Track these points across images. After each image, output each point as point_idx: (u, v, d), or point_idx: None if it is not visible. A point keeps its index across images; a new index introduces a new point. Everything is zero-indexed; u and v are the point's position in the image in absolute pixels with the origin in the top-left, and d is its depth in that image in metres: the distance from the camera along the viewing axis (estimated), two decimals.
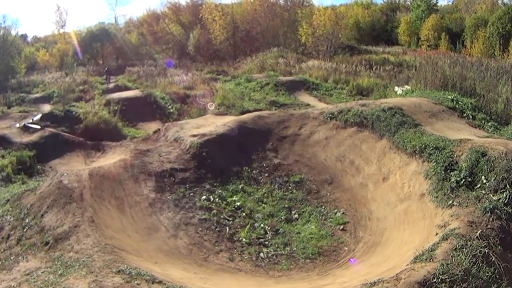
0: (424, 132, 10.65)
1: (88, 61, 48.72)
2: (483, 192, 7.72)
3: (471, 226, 6.89)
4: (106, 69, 35.47)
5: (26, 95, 29.67)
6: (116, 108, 20.70)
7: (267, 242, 9.05)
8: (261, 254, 8.65)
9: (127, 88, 30.24)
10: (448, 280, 5.71)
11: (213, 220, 9.58)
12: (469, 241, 6.46)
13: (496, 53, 33.10)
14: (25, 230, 8.66)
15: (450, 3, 56.36)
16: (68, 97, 27.08)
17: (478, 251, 6.28)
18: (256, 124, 13.31)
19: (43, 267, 7.14)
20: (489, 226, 6.90)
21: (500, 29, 34.18)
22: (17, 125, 18.63)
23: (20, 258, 7.82)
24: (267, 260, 8.51)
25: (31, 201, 9.56)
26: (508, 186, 7.57)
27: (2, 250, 8.37)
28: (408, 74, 22.07)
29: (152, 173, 10.87)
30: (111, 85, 33.23)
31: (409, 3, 55.34)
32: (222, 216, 9.78)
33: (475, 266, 6.03)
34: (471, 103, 13.63)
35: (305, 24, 41.67)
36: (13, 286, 6.74)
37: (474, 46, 35.99)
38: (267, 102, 21.86)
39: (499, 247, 6.54)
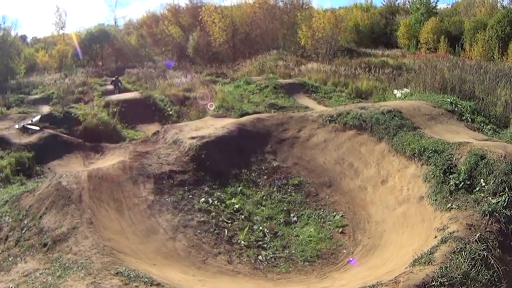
0: (423, 135, 10.65)
1: (87, 63, 48.68)
2: (482, 195, 7.73)
3: (470, 229, 6.90)
4: (114, 78, 32.60)
5: (25, 96, 29.66)
6: (115, 109, 20.67)
7: (265, 245, 9.05)
8: (260, 257, 8.64)
9: (126, 90, 30.21)
10: (447, 283, 5.71)
11: (212, 222, 9.57)
12: (468, 244, 6.46)
13: (495, 56, 33.21)
14: (23, 231, 8.65)
15: (449, 6, 56.60)
16: (67, 98, 27.06)
17: (477, 254, 6.28)
18: (255, 126, 13.31)
19: (42, 268, 7.13)
20: (488, 229, 6.90)
21: (499, 32, 34.29)
22: (16, 126, 18.62)
23: (18, 259, 7.80)
24: (266, 262, 8.50)
25: (30, 203, 9.55)
26: (507, 189, 7.58)
27: (0, 251, 8.35)
28: (407, 77, 22.09)
29: (151, 175, 10.86)
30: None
31: (408, 6, 55.50)
32: (220, 219, 9.77)
33: (474, 269, 6.03)
34: (470, 106, 13.64)
35: (305, 27, 41.71)
36: (11, 287, 6.73)
37: (473, 49, 36.11)
38: (266, 105, 21.87)
39: (498, 250, 6.54)
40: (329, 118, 12.99)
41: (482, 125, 12.72)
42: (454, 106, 13.40)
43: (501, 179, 7.78)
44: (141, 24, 62.09)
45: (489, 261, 6.25)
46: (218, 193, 10.74)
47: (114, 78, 32.03)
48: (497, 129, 12.70)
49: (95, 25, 54.03)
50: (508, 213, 7.14)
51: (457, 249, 6.37)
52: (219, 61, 45.24)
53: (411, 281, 5.77)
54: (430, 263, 6.16)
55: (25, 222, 8.93)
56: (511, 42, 32.54)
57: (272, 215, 10.11)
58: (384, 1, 59.58)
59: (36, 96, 29.52)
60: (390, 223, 9.05)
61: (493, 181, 7.85)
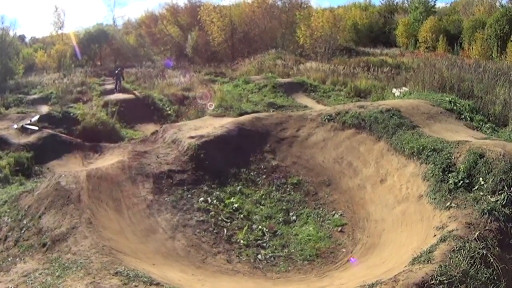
0: (422, 134, 10.65)
1: (86, 63, 48.61)
2: (481, 193, 7.73)
3: (469, 227, 6.90)
4: (117, 70, 30.45)
5: (24, 96, 29.56)
6: (114, 109, 20.66)
7: (265, 244, 9.05)
8: (259, 256, 8.64)
9: (125, 90, 30.15)
10: (446, 281, 5.71)
11: (211, 222, 9.57)
12: (467, 242, 6.46)
13: (494, 55, 33.25)
14: (22, 231, 8.64)
15: (448, 5, 56.68)
16: (66, 98, 26.99)
17: (476, 252, 6.28)
18: (254, 125, 13.31)
19: (41, 268, 7.12)
20: (487, 228, 6.90)
21: (498, 31, 34.32)
22: (15, 126, 18.60)
23: (17, 259, 7.79)
24: (265, 262, 8.51)
25: (29, 203, 9.54)
26: (506, 187, 7.58)
27: None
28: (406, 76, 22.07)
29: (150, 175, 10.86)
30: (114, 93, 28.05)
31: (407, 5, 55.56)
32: (220, 218, 9.77)
33: (473, 267, 6.03)
34: (469, 105, 13.64)
35: (303, 26, 41.72)
36: (11, 287, 6.72)
37: (472, 48, 36.15)
38: (265, 104, 21.84)
39: (497, 248, 6.55)
40: (328, 117, 12.99)
41: (481, 123, 12.72)
42: (453, 105, 13.40)
43: (500, 178, 7.78)
44: (140, 24, 62.03)
45: (488, 259, 6.26)
46: (217, 193, 10.75)
47: (117, 71, 30.53)
48: (496, 128, 12.69)
49: (94, 25, 54.04)
50: (507, 212, 7.15)
51: (456, 247, 6.37)
52: (218, 61, 45.17)
53: (410, 279, 5.77)
54: (429, 261, 6.16)
55: (24, 222, 8.92)
56: (509, 41, 32.55)
57: (271, 214, 10.11)
58: (382, 0, 59.67)
59: (35, 96, 29.43)
60: (389, 222, 9.05)
61: (492, 179, 7.85)
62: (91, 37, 48.50)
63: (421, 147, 9.77)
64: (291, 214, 10.21)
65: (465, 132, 11.56)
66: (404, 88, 18.43)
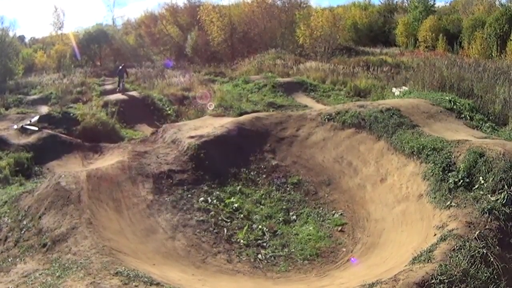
0: (422, 133, 10.65)
1: (85, 63, 48.57)
2: (481, 192, 7.73)
3: (469, 226, 6.90)
4: (121, 66, 29.59)
5: (23, 96, 29.53)
6: (114, 109, 20.66)
7: (265, 244, 9.05)
8: (259, 256, 8.64)
9: (125, 90, 30.11)
10: (446, 281, 5.71)
11: (211, 221, 9.57)
12: (467, 241, 6.46)
13: (493, 54, 33.20)
14: (22, 232, 8.64)
15: (447, 4, 56.69)
16: (66, 98, 26.95)
17: (476, 251, 6.28)
18: (254, 125, 13.30)
19: (41, 269, 7.12)
20: (487, 227, 6.90)
21: (498, 30, 34.31)
22: (15, 126, 18.59)
23: (17, 260, 7.79)
24: (265, 261, 8.51)
25: (29, 203, 9.54)
26: (506, 186, 7.58)
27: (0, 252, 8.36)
28: (405, 75, 22.10)
29: (149, 175, 10.86)
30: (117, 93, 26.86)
31: (406, 5, 55.53)
32: (220, 218, 9.77)
33: (473, 266, 6.03)
34: (468, 104, 13.65)
35: (303, 26, 41.71)
36: None
37: (472, 47, 36.12)
38: (264, 104, 21.85)
39: (497, 247, 6.55)
40: (328, 116, 12.99)
41: (480, 123, 12.72)
42: (452, 104, 13.40)
43: (500, 177, 7.78)
44: (139, 24, 61.99)
45: (489, 258, 6.26)
46: (217, 192, 10.74)
47: (120, 66, 29.61)
48: (495, 127, 12.70)
49: (93, 25, 54.03)
50: (507, 211, 7.15)
51: (456, 247, 6.37)
52: (217, 60, 45.11)
53: (410, 279, 5.77)
54: (429, 261, 6.17)
55: (24, 222, 8.92)
56: (509, 40, 32.56)
57: (271, 214, 10.10)
58: None
59: (35, 97, 29.40)
60: (389, 221, 9.05)
61: (492, 178, 7.85)
62: (91, 37, 48.43)
63: (421, 146, 9.77)
64: (291, 213, 10.21)
65: (465, 131, 11.56)
66: (404, 87, 18.46)
